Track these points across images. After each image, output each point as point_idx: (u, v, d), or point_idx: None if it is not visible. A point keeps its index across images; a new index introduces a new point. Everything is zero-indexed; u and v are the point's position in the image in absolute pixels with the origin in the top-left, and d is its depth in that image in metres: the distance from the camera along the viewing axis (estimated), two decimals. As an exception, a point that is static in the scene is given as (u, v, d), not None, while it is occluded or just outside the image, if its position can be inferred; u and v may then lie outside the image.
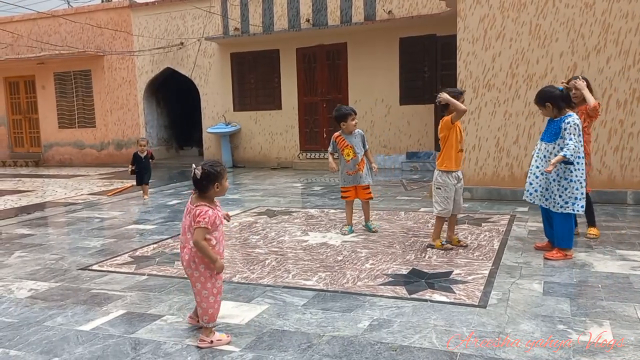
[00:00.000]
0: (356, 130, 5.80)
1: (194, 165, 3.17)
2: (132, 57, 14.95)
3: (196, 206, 3.15)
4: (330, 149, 5.90)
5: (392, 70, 12.21)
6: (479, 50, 7.48)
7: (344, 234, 5.75)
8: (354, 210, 6.07)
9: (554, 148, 4.52)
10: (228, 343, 3.19)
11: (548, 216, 4.78)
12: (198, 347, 3.16)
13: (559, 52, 7.10)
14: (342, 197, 6.00)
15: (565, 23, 7.04)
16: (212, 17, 13.75)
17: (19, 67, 15.98)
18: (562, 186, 4.55)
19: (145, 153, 8.99)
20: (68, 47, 15.23)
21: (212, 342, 3.17)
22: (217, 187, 3.19)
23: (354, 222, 6.04)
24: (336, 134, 5.86)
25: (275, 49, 13.27)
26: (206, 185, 3.16)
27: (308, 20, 12.62)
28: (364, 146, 5.82)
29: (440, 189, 5.00)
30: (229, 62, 13.84)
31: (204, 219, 3.09)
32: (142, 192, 9.12)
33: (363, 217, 6.04)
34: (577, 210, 4.54)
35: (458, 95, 4.88)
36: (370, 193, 5.92)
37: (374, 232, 5.77)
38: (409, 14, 11.68)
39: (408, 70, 12.14)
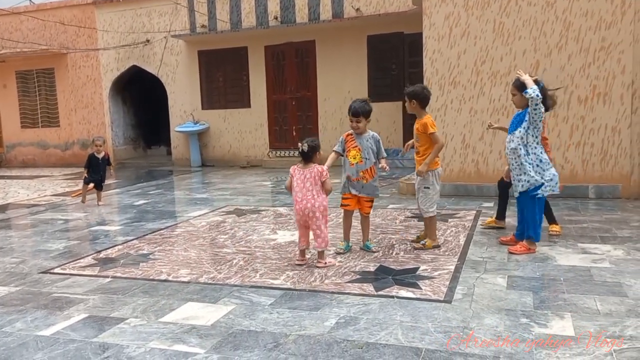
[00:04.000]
0: (369, 132, 4.90)
1: (299, 144, 4.53)
2: (97, 55, 14.65)
3: (313, 166, 4.51)
4: (336, 147, 4.99)
5: (360, 68, 12.25)
6: (445, 48, 7.56)
7: (340, 252, 4.90)
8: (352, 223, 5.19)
9: (519, 132, 4.63)
10: (333, 265, 4.52)
11: (522, 210, 4.86)
12: (317, 267, 4.47)
13: (522, 49, 7.22)
14: (341, 205, 5.05)
15: (528, 21, 7.17)
16: (179, 14, 13.57)
17: (-22, 65, 15.51)
18: (518, 169, 4.68)
19: (102, 154, 8.32)
20: (30, 45, 14.83)
21: (326, 263, 4.52)
22: (318, 155, 4.56)
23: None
24: (348, 132, 4.98)
25: (244, 47, 13.17)
26: (311, 155, 4.51)
27: (276, 18, 12.56)
28: (378, 153, 4.90)
29: None
30: (196, 59, 13.68)
31: (328, 172, 4.54)
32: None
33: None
34: (524, 187, 4.64)
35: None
36: (371, 207, 5.07)
37: (374, 252, 4.92)
38: (377, 12, 11.72)
39: (376, 68, 12.19)
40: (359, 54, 12.21)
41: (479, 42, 7.40)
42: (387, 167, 4.90)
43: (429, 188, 4.90)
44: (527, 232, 4.73)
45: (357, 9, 11.88)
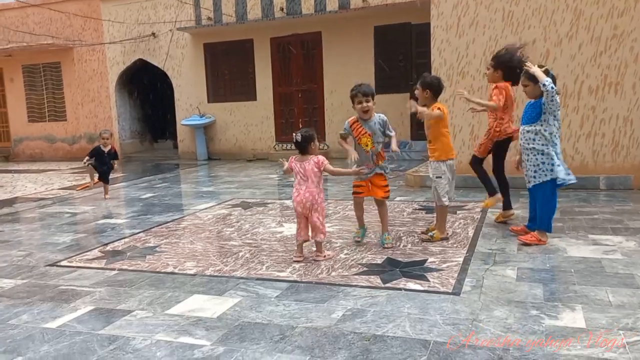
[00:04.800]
0: (376, 115, 4.72)
1: (294, 134, 4.45)
2: (103, 49, 14.63)
3: (310, 158, 4.42)
4: (343, 131, 4.86)
5: (367, 59, 12.15)
6: (453, 38, 7.46)
7: (357, 240, 4.91)
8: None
9: (540, 124, 4.53)
10: (332, 257, 4.48)
11: (534, 202, 4.80)
12: (316, 260, 4.40)
13: (531, 38, 7.11)
14: (353, 193, 4.89)
15: (538, 10, 7.06)
16: (184, 7, 13.51)
17: (-15, 59, 15.54)
18: (529, 158, 4.61)
19: (108, 147, 8.19)
20: (36, 39, 14.83)
21: (325, 256, 4.46)
22: (313, 145, 4.46)
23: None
24: (352, 118, 4.81)
25: (249, 39, 13.10)
26: (306, 145, 4.43)
27: (282, 9, 12.48)
28: (387, 133, 4.75)
29: None
30: (202, 52, 13.64)
31: (324, 159, 4.44)
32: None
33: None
34: (548, 177, 4.55)
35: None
36: (388, 190, 4.82)
37: (387, 247, 4.72)
38: (384, 2, 11.60)
39: (383, 59, 12.09)
40: (365, 45, 12.11)
41: (488, 31, 7.30)
42: (398, 149, 4.71)
43: (440, 177, 4.85)
44: (539, 223, 4.66)
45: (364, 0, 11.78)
